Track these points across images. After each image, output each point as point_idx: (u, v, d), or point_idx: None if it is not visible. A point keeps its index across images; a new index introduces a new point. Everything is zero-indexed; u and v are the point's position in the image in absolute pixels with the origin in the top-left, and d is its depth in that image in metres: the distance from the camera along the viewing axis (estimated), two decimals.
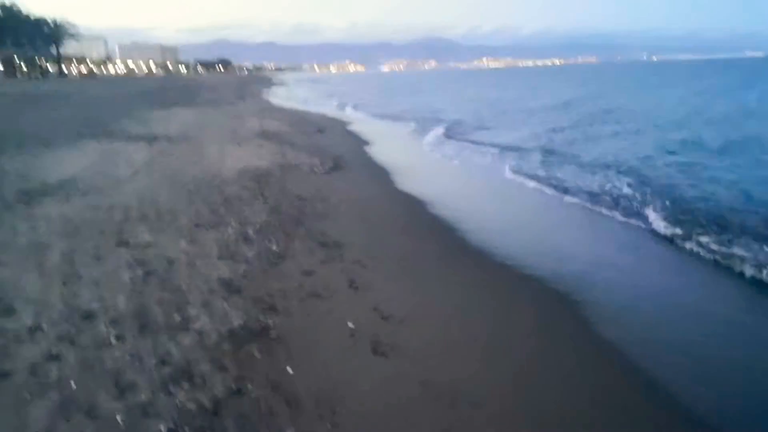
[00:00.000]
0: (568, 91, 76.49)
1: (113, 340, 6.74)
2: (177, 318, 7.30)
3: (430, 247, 11.10)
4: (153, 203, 13.04)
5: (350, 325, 7.29)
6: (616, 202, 14.87)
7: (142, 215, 11.96)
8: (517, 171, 19.66)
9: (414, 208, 14.44)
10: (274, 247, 10.14)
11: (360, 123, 38.34)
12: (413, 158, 24.16)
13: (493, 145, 26.16)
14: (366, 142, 26.94)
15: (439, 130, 32.55)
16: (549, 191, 16.60)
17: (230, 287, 8.23)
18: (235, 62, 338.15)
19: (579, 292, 8.79)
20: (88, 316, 7.35)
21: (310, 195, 14.91)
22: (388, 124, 39.93)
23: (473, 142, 27.97)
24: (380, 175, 19.17)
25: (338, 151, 23.75)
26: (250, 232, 11.06)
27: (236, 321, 7.22)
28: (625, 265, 10.34)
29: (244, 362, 6.33)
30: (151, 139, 24.98)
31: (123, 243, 10.30)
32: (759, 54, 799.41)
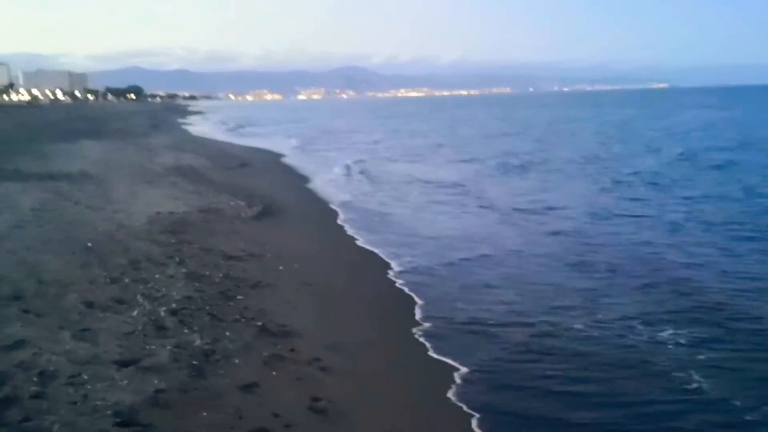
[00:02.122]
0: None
1: None
2: None
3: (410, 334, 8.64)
4: (33, 272, 9.93)
5: None
6: None
7: (15, 292, 8.86)
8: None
9: (378, 272, 11.98)
10: (198, 341, 7.39)
11: (290, 155, 35.70)
12: (361, 198, 21.62)
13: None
14: (301, 177, 24.26)
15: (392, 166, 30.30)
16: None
17: (132, 428, 5.43)
18: (147, 90, 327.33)
19: None
20: None
21: (239, 252, 12.18)
22: (321, 156, 37.45)
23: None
24: (325, 221, 16.63)
25: (267, 189, 21.06)
26: (164, 314, 8.26)
27: None
28: None
29: None
30: (46, 179, 21.51)
31: None
32: (664, 85, 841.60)
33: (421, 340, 8.83)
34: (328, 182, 24.82)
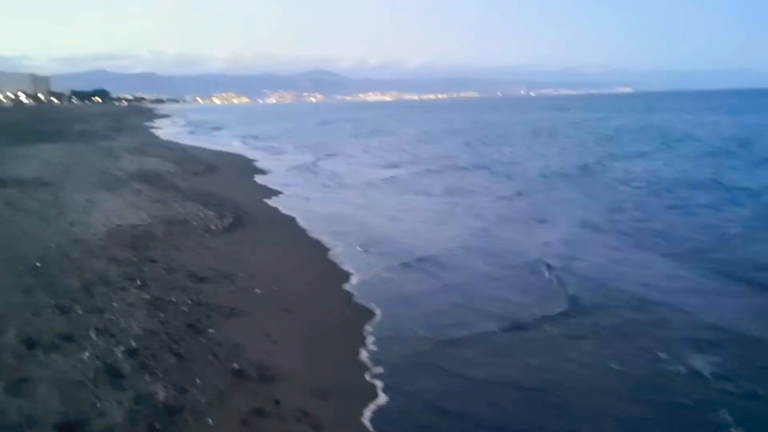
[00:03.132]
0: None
1: None
2: None
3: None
4: None
5: None
6: None
7: None
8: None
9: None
10: (161, 393, 6.08)
11: (259, 159, 34.15)
12: (339, 205, 20.26)
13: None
14: (272, 188, 22.82)
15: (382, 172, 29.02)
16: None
17: None
18: (113, 93, 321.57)
19: None
20: None
21: (209, 271, 10.84)
22: (291, 158, 36.02)
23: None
24: (298, 232, 15.32)
25: (238, 196, 19.66)
26: (121, 356, 6.92)
27: None
28: None
29: None
30: None
31: None
32: (628, 90, 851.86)
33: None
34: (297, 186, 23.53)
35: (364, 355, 7.92)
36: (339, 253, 13.26)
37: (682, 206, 18.29)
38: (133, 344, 7.21)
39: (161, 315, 8.35)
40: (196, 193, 19.53)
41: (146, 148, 38.50)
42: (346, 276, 11.52)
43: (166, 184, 21.45)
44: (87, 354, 6.87)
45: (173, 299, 9.09)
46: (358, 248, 13.65)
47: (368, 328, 8.90)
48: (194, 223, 14.93)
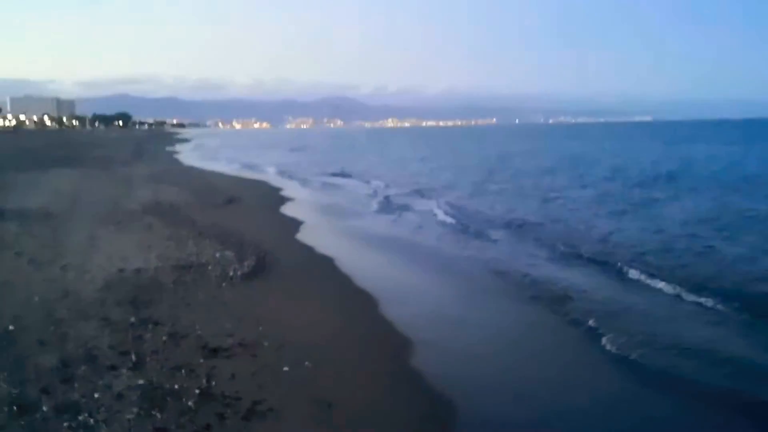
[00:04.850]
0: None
1: None
2: None
3: None
4: None
5: None
6: None
7: None
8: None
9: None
10: None
11: (286, 187, 31.78)
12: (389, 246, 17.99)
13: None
14: (300, 220, 20.58)
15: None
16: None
17: None
18: (135, 117, 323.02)
19: None
20: None
21: (224, 338, 8.59)
22: (322, 185, 33.91)
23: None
24: (338, 279, 13.04)
25: (262, 232, 17.52)
26: None
27: None
28: None
29: None
30: None
31: None
32: (648, 118, 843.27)
33: None
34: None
35: None
36: (393, 308, 10.90)
37: None
38: None
39: (159, 416, 6.12)
40: (214, 229, 17.37)
41: (164, 175, 36.63)
42: (406, 344, 9.18)
43: (182, 218, 19.35)
44: None
45: (176, 386, 6.86)
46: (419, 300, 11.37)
47: None
48: (209, 268, 12.75)
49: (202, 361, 7.72)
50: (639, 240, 17.14)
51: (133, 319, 9.14)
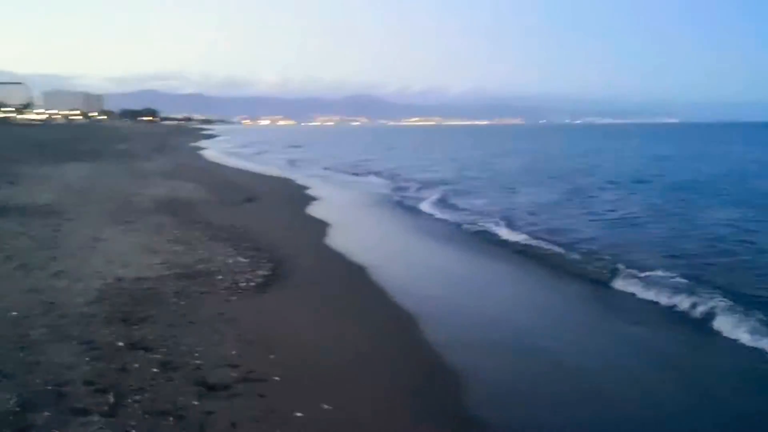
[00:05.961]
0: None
1: None
2: None
3: None
4: None
5: None
6: None
7: None
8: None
9: None
10: None
11: (312, 186, 29.96)
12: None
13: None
14: (324, 222, 19.02)
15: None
16: None
17: None
18: (162, 113, 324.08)
19: None
20: None
21: (227, 370, 7.06)
22: (354, 184, 32.30)
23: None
24: (369, 292, 11.49)
25: (282, 235, 16.07)
26: None
27: None
28: None
29: None
30: None
31: None
32: (674, 120, 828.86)
33: None
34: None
35: None
36: (440, 333, 9.29)
37: None
38: None
39: None
40: (229, 231, 15.93)
41: (184, 170, 35.40)
42: (456, 381, 7.59)
43: (196, 217, 17.96)
44: None
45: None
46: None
47: None
48: (219, 277, 11.28)
49: (196, 403, 6.21)
50: None
51: (120, 342, 7.67)
